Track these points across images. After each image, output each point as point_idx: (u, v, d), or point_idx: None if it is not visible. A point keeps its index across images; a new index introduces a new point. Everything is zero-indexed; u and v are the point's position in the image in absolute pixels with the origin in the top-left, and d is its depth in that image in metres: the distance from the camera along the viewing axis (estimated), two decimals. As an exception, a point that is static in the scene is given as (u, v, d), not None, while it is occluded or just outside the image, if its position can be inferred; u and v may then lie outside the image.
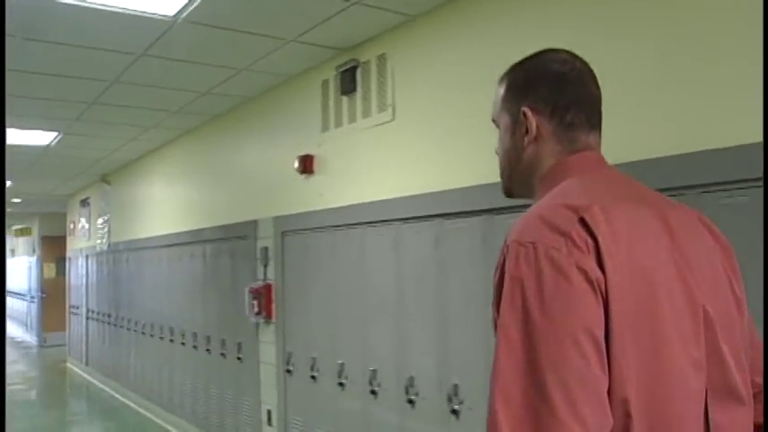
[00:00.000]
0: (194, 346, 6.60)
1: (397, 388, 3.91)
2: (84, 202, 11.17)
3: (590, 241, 1.16)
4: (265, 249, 5.29)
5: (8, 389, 10.59)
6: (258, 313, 5.20)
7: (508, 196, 1.52)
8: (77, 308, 11.67)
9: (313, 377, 4.68)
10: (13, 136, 7.05)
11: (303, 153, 4.80)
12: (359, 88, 4.32)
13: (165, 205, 7.62)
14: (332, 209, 4.54)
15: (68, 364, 12.25)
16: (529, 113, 1.39)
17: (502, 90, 1.47)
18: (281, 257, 5.12)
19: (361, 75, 4.31)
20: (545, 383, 1.09)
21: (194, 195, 6.86)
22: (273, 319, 5.17)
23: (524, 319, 1.13)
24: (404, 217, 3.92)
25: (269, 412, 5.27)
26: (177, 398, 7.11)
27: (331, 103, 4.61)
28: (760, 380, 1.36)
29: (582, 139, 1.39)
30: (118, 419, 8.18)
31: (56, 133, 6.98)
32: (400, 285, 3.94)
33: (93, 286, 10.66)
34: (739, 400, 1.27)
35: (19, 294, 18.71)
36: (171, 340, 7.18)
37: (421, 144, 3.86)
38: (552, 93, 1.38)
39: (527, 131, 1.40)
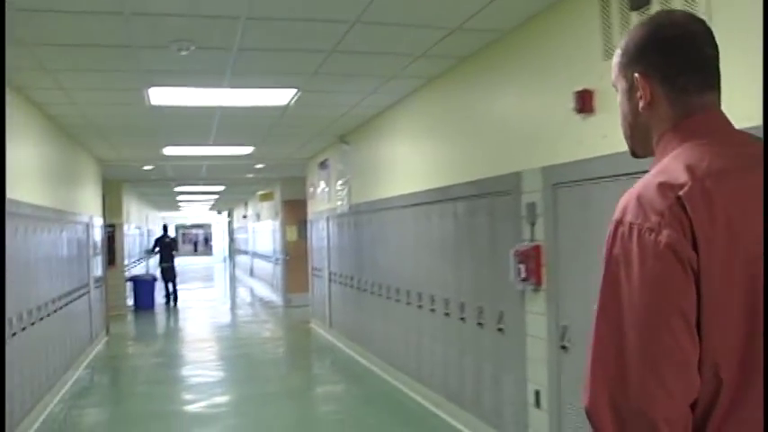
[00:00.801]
0: (446, 314, 6.06)
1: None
2: (323, 164, 11.13)
3: (685, 221, 1.25)
4: (532, 205, 4.54)
5: (258, 347, 10.93)
6: (525, 279, 4.49)
7: (634, 156, 1.55)
8: (320, 270, 11.75)
9: (597, 357, 3.91)
10: (254, 96, 6.92)
11: (580, 88, 3.97)
12: (655, -1, 3.44)
13: (408, 163, 7.14)
14: (620, 153, 3.67)
15: (312, 326, 12.44)
16: (641, 79, 1.43)
17: (618, 55, 1.50)
18: (553, 214, 4.35)
19: (658, -19, 3.42)
20: (635, 355, 1.25)
21: (441, 150, 6.28)
22: (543, 286, 4.44)
23: (620, 296, 1.28)
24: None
25: (537, 393, 4.59)
26: (426, 368, 6.66)
27: (615, 22, 3.73)
28: None
29: (696, 102, 1.42)
30: (363, 385, 7.96)
31: (294, 90, 6.72)
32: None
33: (334, 249, 10.62)
34: None
35: (264, 256, 19.67)
36: (419, 306, 6.71)
37: (750, 59, 2.90)
38: (662, 58, 1.41)
39: (641, 97, 1.44)
